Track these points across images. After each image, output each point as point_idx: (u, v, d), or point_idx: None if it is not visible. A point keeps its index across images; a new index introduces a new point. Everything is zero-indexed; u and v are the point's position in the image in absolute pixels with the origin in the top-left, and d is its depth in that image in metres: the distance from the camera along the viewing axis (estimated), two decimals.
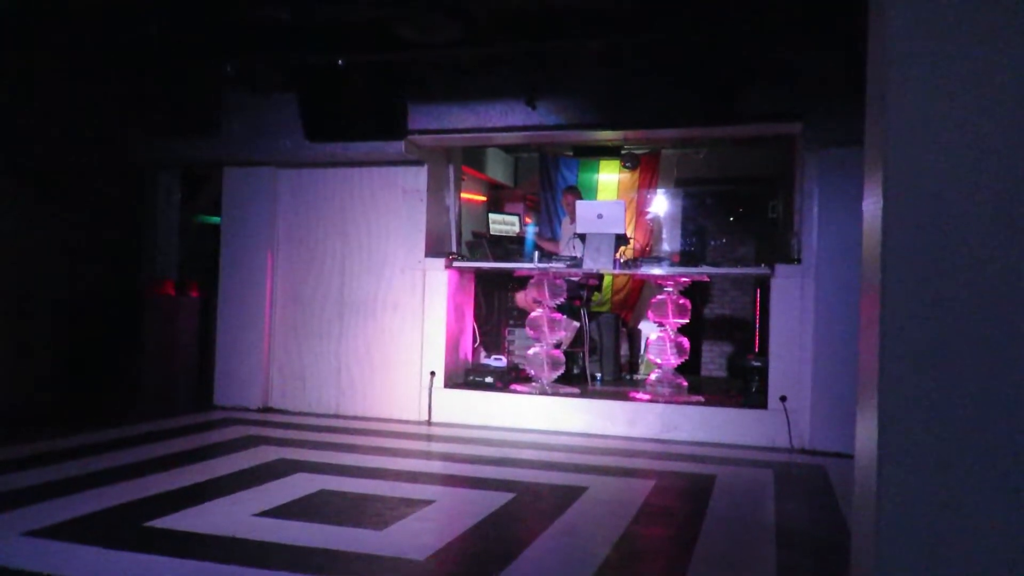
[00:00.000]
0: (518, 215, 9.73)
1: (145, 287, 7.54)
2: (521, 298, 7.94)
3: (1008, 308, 1.64)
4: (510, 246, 8.02)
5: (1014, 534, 1.62)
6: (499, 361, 7.41)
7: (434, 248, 7.08)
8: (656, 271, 6.71)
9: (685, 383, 6.70)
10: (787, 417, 5.94)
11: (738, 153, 9.36)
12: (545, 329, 6.91)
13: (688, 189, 9.71)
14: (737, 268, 7.71)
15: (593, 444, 5.98)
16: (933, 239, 1.69)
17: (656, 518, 4.09)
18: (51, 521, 3.67)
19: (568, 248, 7.49)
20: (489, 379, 6.92)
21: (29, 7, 5.99)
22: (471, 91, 6.54)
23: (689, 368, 7.60)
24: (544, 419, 6.51)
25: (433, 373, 6.84)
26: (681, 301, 6.74)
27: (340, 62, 6.21)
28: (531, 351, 6.98)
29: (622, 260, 6.76)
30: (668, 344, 6.65)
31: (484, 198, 10.15)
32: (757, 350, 7.15)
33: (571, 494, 4.45)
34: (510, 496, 4.38)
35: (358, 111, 6.34)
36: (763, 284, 7.00)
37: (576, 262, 6.74)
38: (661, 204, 9.60)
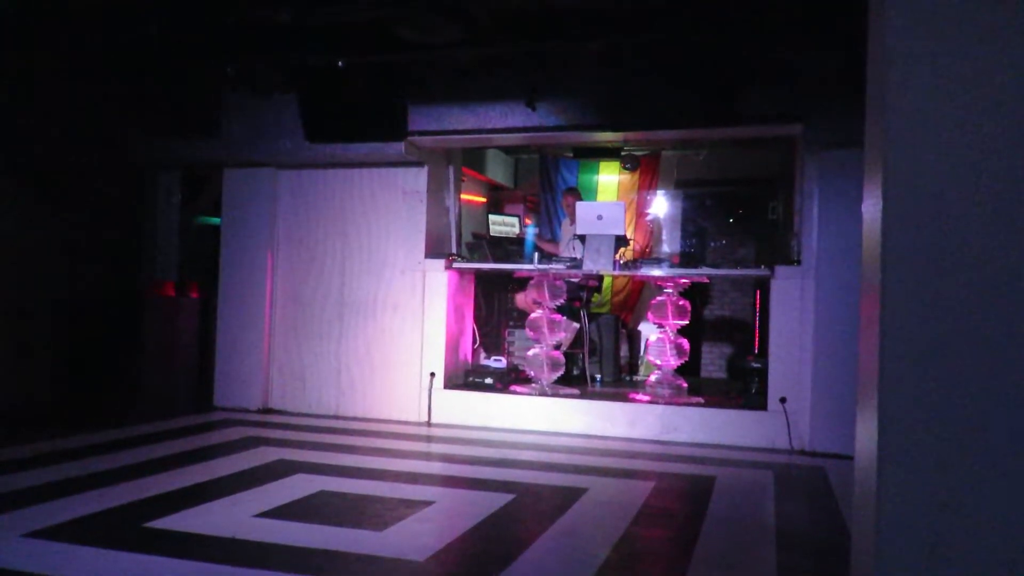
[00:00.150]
0: (518, 216, 9.72)
1: (145, 287, 7.54)
2: (521, 299, 7.94)
3: (1008, 308, 1.64)
4: (510, 247, 8.02)
5: (1014, 534, 1.62)
6: (499, 362, 7.41)
7: (434, 249, 7.08)
8: (656, 272, 6.71)
9: (685, 384, 6.70)
10: (787, 418, 5.94)
11: (738, 154, 9.36)
12: (545, 330, 6.91)
13: (688, 190, 9.72)
14: (737, 269, 7.71)
15: (593, 445, 5.98)
16: (933, 239, 1.69)
17: (656, 519, 4.09)
18: (51, 522, 3.67)
19: (568, 249, 7.49)
20: (489, 380, 6.92)
21: (29, 7, 5.99)
22: (471, 92, 6.54)
23: (689, 369, 7.60)
24: (544, 420, 6.51)
25: (433, 374, 6.84)
26: (681, 302, 6.74)
27: (340, 63, 6.21)
28: (531, 352, 6.98)
29: (622, 261, 6.76)
30: (668, 345, 6.65)
31: (484, 199, 10.15)
32: (757, 351, 7.14)
33: (571, 495, 4.45)
34: (510, 497, 4.38)
35: (358, 112, 6.34)
36: (763, 285, 7.00)
37: (576, 263, 6.74)
38: (661, 205, 9.60)
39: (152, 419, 6.54)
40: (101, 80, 6.99)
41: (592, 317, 8.02)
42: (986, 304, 1.65)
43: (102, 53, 6.64)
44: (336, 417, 7.01)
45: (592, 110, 6.37)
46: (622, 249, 6.78)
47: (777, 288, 6.14)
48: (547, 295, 6.90)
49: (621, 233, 6.65)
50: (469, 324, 7.48)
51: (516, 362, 7.57)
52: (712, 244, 9.50)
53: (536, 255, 6.86)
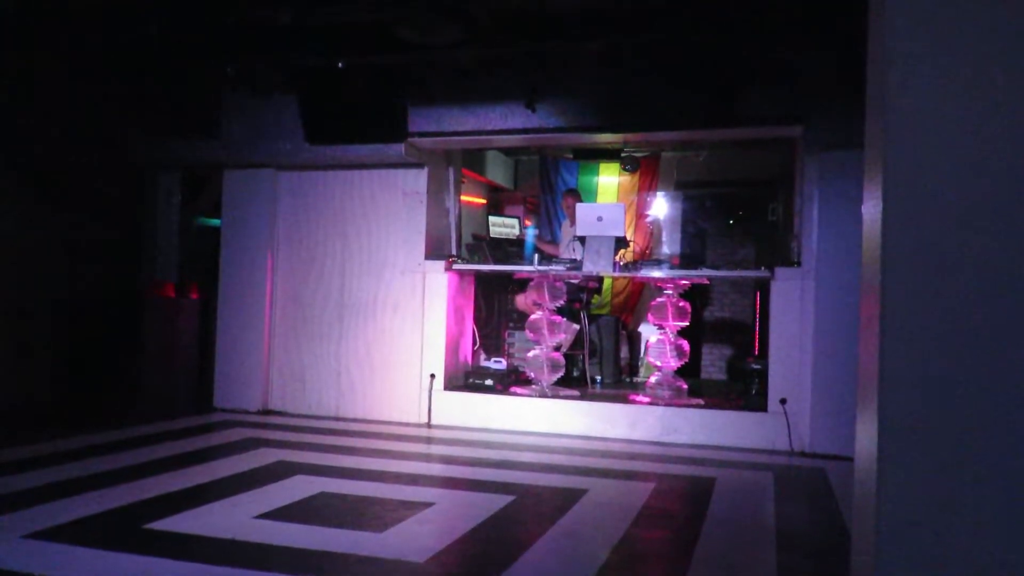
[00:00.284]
0: (518, 218, 9.70)
1: (145, 288, 7.54)
2: (521, 301, 7.93)
3: (1008, 308, 1.64)
4: (510, 249, 8.01)
5: (1014, 534, 1.61)
6: (499, 363, 7.40)
7: (434, 250, 7.08)
8: (656, 274, 6.71)
9: (685, 386, 6.69)
10: (787, 420, 5.94)
11: (738, 156, 9.35)
12: (545, 332, 6.91)
13: (688, 192, 9.71)
14: (737, 271, 7.71)
15: (593, 447, 5.98)
16: (933, 239, 1.68)
17: (656, 520, 4.09)
18: (51, 523, 3.67)
19: (568, 251, 7.49)
20: (489, 381, 6.92)
21: (29, 7, 5.99)
22: (471, 93, 6.54)
23: (689, 371, 7.59)
24: (544, 422, 6.51)
25: (433, 375, 6.84)
26: (681, 304, 6.74)
27: (340, 64, 6.21)
28: (531, 353, 6.98)
29: (622, 263, 6.76)
30: (668, 347, 6.65)
31: (484, 200, 10.14)
32: (757, 353, 7.15)
33: (571, 496, 4.45)
34: (510, 498, 4.37)
35: (358, 113, 6.34)
36: (763, 287, 7.00)
37: (576, 265, 6.74)
38: (661, 207, 9.60)
39: (152, 420, 6.54)
40: (101, 80, 7.00)
41: (592, 318, 8.01)
42: (986, 304, 1.65)
43: (102, 53, 6.65)
44: (336, 418, 7.01)
45: (592, 111, 6.37)
46: (622, 250, 6.78)
47: (777, 289, 6.13)
48: (547, 296, 6.90)
49: (621, 235, 6.65)
50: (469, 325, 7.48)
51: (516, 363, 7.57)
52: (712, 245, 9.49)
53: (536, 256, 6.86)
